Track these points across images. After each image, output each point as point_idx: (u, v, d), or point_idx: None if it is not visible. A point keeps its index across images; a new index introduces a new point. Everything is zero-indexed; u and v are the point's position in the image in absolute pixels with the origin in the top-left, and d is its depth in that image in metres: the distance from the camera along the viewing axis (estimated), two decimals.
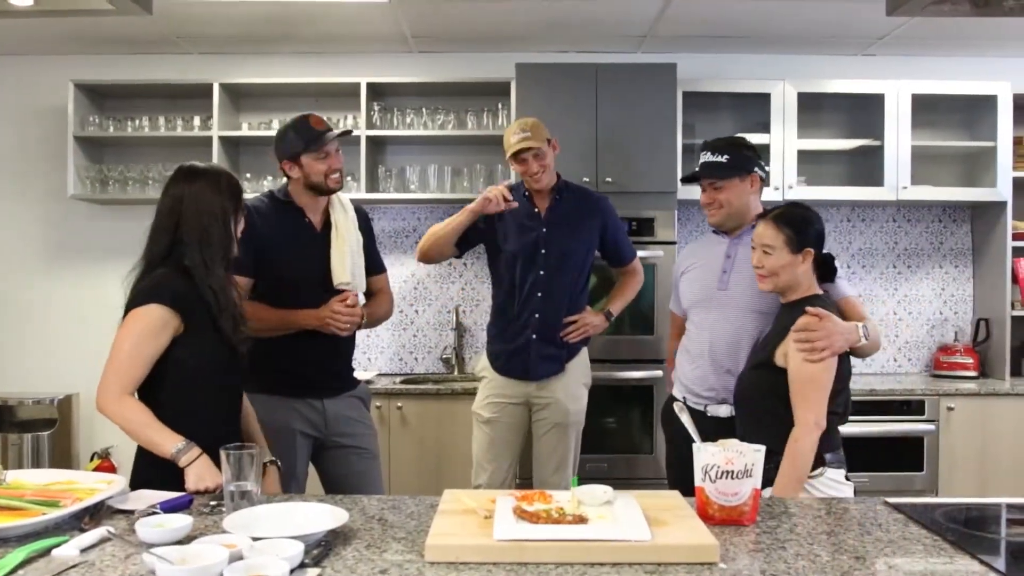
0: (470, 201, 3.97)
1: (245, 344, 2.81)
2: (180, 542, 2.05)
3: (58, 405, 5.45)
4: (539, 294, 3.95)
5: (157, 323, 2.62)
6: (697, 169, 3.49)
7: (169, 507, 2.32)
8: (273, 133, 5.38)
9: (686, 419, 2.63)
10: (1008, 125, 5.36)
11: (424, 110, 5.56)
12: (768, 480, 2.69)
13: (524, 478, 4.51)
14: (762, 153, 5.26)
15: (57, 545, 2.04)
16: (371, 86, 5.48)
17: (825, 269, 3.06)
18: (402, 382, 5.41)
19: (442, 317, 5.84)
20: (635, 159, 5.06)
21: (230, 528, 2.07)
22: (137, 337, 2.61)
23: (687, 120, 5.31)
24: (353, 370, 3.69)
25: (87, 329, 5.71)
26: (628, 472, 5.03)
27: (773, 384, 2.92)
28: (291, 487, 3.36)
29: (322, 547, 2.03)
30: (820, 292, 3.04)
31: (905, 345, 5.85)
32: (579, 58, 5.62)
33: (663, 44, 5.54)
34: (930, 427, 5.05)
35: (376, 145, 5.72)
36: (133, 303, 2.66)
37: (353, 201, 3.68)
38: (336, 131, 3.49)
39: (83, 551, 2.03)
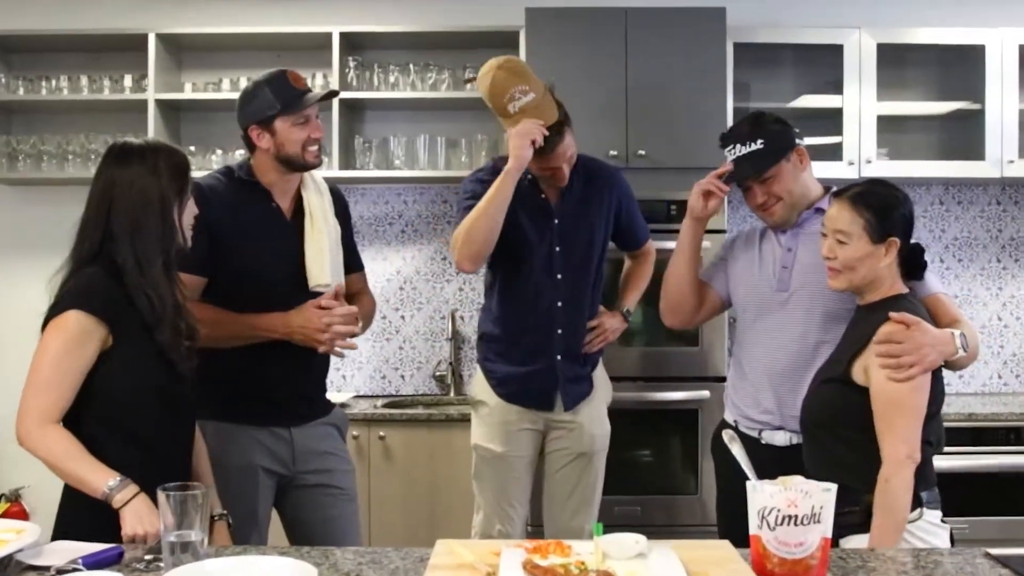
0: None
1: (189, 360, 2.82)
2: None
3: None
4: (559, 303, 3.95)
5: (77, 334, 2.64)
6: (731, 169, 3.47)
7: (94, 562, 2.32)
8: (222, 96, 5.46)
9: (738, 450, 2.62)
10: None
11: (412, 67, 5.57)
12: (843, 527, 2.68)
13: (535, 525, 4.50)
14: (833, 119, 5.34)
15: None
16: (346, 37, 5.49)
17: (912, 264, 3.05)
18: (385, 406, 5.42)
19: (434, 325, 5.84)
20: (674, 128, 5.05)
21: None
22: (56, 353, 2.63)
23: (739, 78, 5.31)
24: (326, 390, 3.70)
25: None
26: (666, 517, 5.03)
27: (849, 405, 2.91)
28: (251, 536, 3.36)
29: None
30: (905, 291, 3.03)
31: (1012, 358, 5.85)
32: (604, 0, 5.62)
33: None
34: None
35: (352, 110, 5.72)
36: (51, 310, 2.68)
37: (326, 181, 3.69)
38: (321, 91, 3.49)
39: None
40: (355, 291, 3.72)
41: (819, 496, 2.27)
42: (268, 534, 3.53)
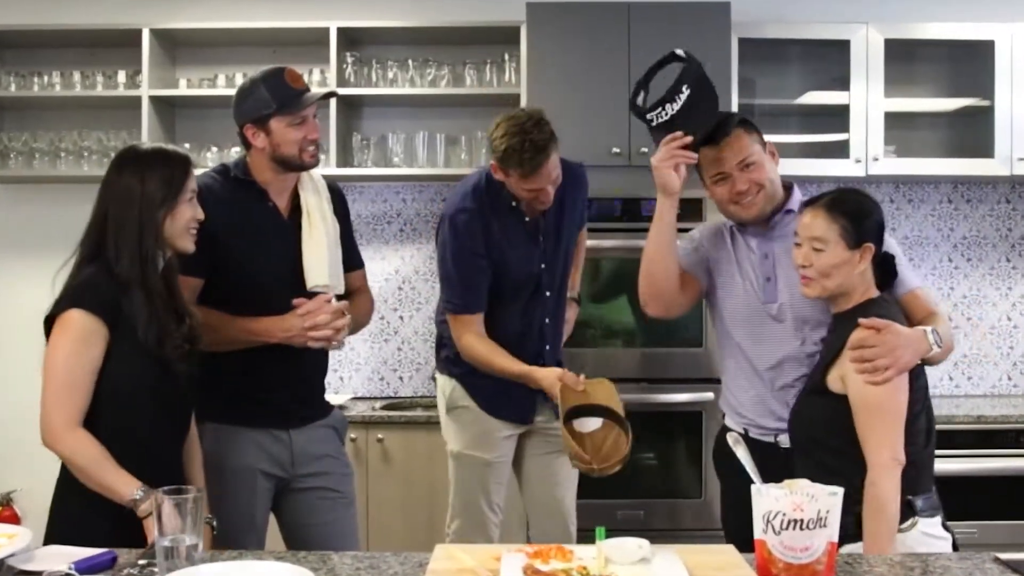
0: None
1: (186, 362, 2.88)
2: None
3: None
4: (547, 321, 3.96)
5: (82, 334, 2.73)
6: (688, 139, 3.27)
7: (87, 567, 2.32)
8: (217, 92, 5.45)
9: (743, 454, 2.62)
10: None
11: (411, 63, 5.56)
12: (843, 534, 2.68)
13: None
14: (840, 116, 5.34)
15: None
16: (343, 32, 5.48)
17: (883, 273, 3.08)
18: (383, 408, 5.42)
19: (433, 325, 5.83)
20: None
21: None
22: (67, 355, 2.73)
23: (744, 74, 5.31)
24: (325, 392, 3.70)
25: None
26: (670, 521, 5.03)
27: (830, 414, 2.94)
28: (248, 539, 3.36)
29: None
30: (875, 295, 3.05)
31: (1021, 360, 5.84)
32: None
33: None
34: None
35: (350, 107, 5.73)
36: (54, 308, 2.77)
37: (325, 178, 3.68)
38: (319, 92, 3.48)
39: None
40: (354, 289, 3.71)
41: (825, 500, 2.27)
42: (266, 538, 3.53)
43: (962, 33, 5.42)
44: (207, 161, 5.37)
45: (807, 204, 3.11)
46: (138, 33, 5.44)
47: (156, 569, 2.32)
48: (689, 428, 5.04)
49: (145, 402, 2.84)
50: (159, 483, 2.44)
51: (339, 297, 3.47)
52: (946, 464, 4.76)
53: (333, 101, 5.29)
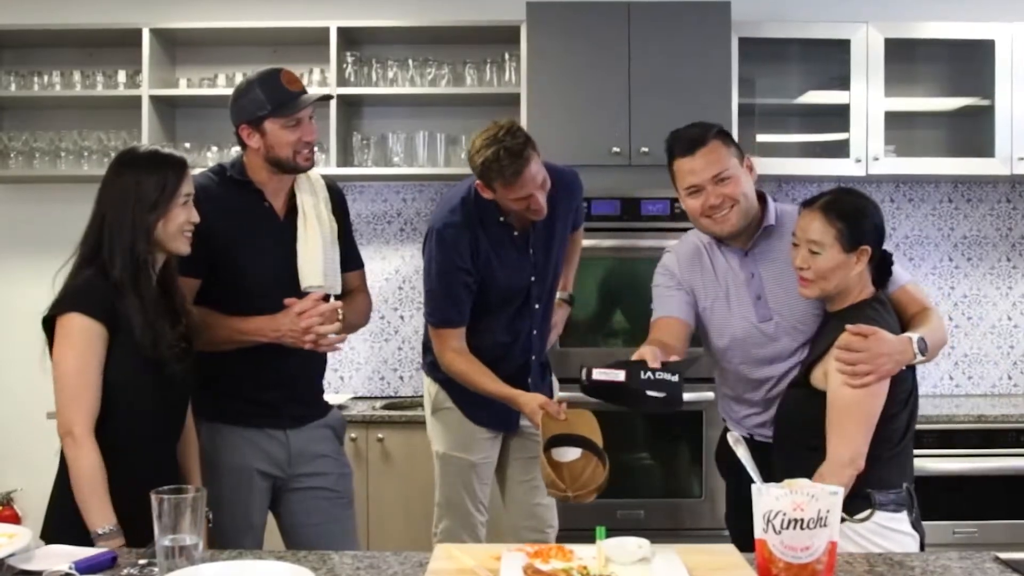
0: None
1: (181, 362, 2.91)
2: None
3: None
4: (535, 332, 3.95)
5: (84, 337, 2.78)
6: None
7: (87, 567, 2.32)
8: (217, 92, 5.45)
9: (743, 453, 2.62)
10: None
11: (411, 62, 5.56)
12: None
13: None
14: (840, 115, 5.34)
15: None
16: (343, 31, 5.48)
17: (880, 271, 3.09)
18: (383, 407, 5.42)
19: None
20: (679, 124, 5.00)
21: None
22: (74, 360, 2.78)
23: (744, 74, 5.31)
24: (323, 391, 3.70)
25: None
26: (670, 521, 5.03)
27: (812, 411, 2.96)
28: (245, 539, 3.36)
29: None
30: (870, 295, 3.07)
31: (1022, 359, 5.84)
32: None
33: None
34: None
35: (350, 107, 5.73)
36: (52, 309, 2.81)
37: (324, 177, 3.67)
38: (314, 95, 3.45)
39: None
40: (352, 288, 3.70)
41: (826, 499, 2.27)
42: (264, 537, 3.53)
43: (962, 32, 5.42)
44: (207, 161, 5.37)
45: (805, 205, 3.10)
46: (138, 33, 5.44)
47: (156, 568, 2.32)
48: (689, 428, 5.04)
49: (142, 402, 2.87)
50: (155, 481, 2.44)
51: (335, 297, 3.47)
52: (946, 464, 4.79)
53: (333, 101, 5.29)
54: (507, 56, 5.48)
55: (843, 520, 2.84)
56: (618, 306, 5.16)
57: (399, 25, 5.52)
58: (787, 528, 2.25)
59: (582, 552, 2.32)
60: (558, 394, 4.15)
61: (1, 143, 5.60)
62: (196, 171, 3.33)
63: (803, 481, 2.36)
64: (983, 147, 5.43)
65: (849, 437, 2.83)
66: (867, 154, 5.32)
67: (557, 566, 2.22)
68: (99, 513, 2.72)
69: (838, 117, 5.37)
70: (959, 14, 5.60)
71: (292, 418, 3.50)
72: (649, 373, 2.95)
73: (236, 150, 3.65)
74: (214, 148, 5.49)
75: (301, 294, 3.37)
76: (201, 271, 3.31)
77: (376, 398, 5.74)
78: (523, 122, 5.03)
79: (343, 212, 3.67)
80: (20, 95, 5.59)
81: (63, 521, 2.77)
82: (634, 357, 3.07)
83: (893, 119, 5.40)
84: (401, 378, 5.86)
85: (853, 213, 3.02)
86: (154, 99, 5.49)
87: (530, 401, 3.59)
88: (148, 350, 2.83)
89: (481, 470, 3.99)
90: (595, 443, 3.47)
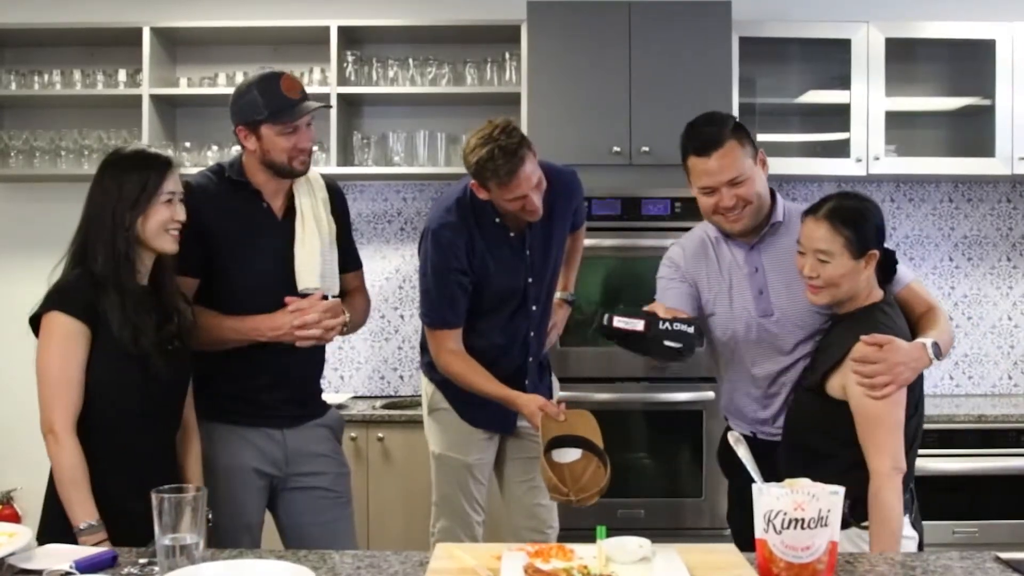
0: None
1: (169, 361, 2.94)
2: None
3: None
4: (532, 334, 3.93)
5: (65, 335, 2.82)
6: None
7: (88, 566, 2.32)
8: (218, 91, 5.45)
9: (743, 452, 2.63)
10: None
11: (411, 61, 5.56)
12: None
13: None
14: (841, 115, 5.34)
15: None
16: (344, 31, 5.48)
17: (884, 270, 3.09)
18: (384, 407, 5.41)
19: None
20: (679, 124, 4.97)
21: None
22: (55, 357, 2.82)
23: (745, 74, 5.30)
24: (322, 391, 3.70)
25: None
26: (671, 520, 5.03)
27: (826, 418, 2.97)
28: (242, 538, 3.36)
29: None
30: (880, 297, 3.07)
31: (1022, 359, 5.84)
32: None
33: None
34: None
35: (350, 106, 5.72)
36: (38, 309, 2.86)
37: (324, 177, 3.66)
38: (312, 104, 3.39)
39: None
40: (351, 289, 3.70)
41: (826, 499, 2.27)
42: (261, 536, 3.53)
43: (963, 32, 5.42)
44: (207, 160, 5.37)
45: (808, 213, 3.08)
46: (139, 32, 5.43)
47: (157, 568, 2.32)
48: (690, 427, 5.04)
49: (126, 400, 2.89)
50: (145, 479, 2.48)
51: (332, 297, 3.47)
52: (946, 464, 4.79)
53: (334, 100, 5.30)
54: (508, 56, 5.48)
55: (850, 525, 2.86)
56: (619, 306, 5.15)
57: (400, 24, 5.52)
58: (788, 528, 2.25)
59: (583, 552, 2.32)
60: (558, 394, 4.16)
61: (1, 142, 5.60)
62: (197, 170, 3.33)
63: (804, 481, 2.36)
64: (984, 147, 5.43)
65: (885, 447, 2.84)
66: (868, 154, 5.32)
67: (558, 565, 2.22)
68: (81, 508, 2.75)
69: (839, 117, 5.37)
70: (960, 14, 5.60)
71: (289, 418, 3.51)
72: (667, 324, 2.99)
73: (236, 149, 3.65)
74: (214, 147, 5.49)
75: (297, 295, 3.38)
76: (198, 270, 3.32)
77: (376, 397, 5.74)
78: (523, 122, 5.04)
79: (343, 212, 3.66)
80: (20, 94, 5.59)
81: (56, 521, 2.79)
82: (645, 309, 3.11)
83: (894, 119, 5.40)
84: (401, 377, 5.86)
85: (858, 218, 3.01)
86: (154, 98, 5.49)
87: (529, 403, 3.59)
88: (129, 347, 2.85)
89: (476, 470, 3.98)
90: (595, 443, 3.46)
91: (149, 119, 5.43)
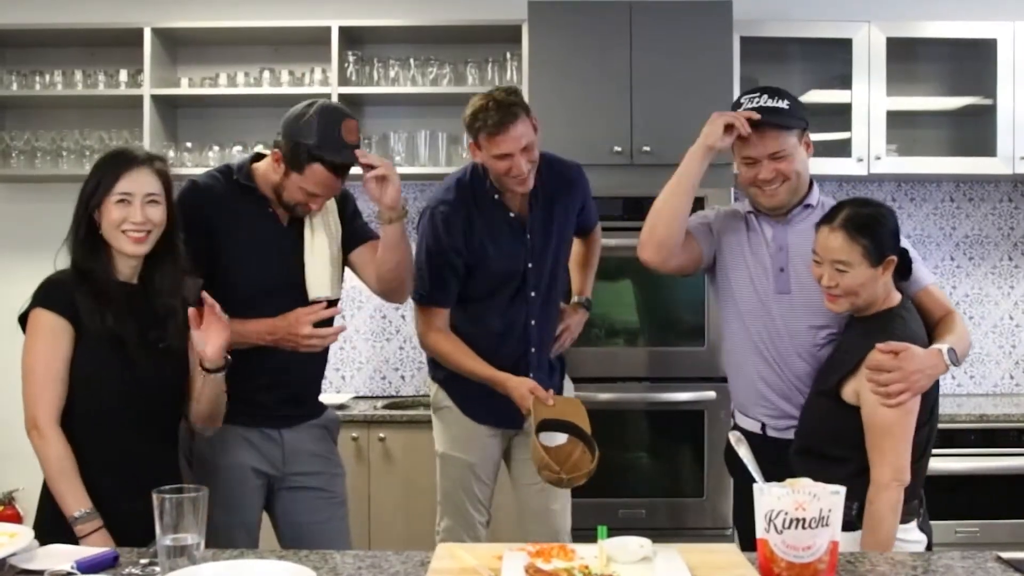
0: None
1: (156, 360, 2.93)
2: None
3: None
4: (533, 323, 3.91)
5: (48, 331, 2.84)
6: (757, 116, 3.30)
7: (89, 566, 2.32)
8: (219, 91, 5.45)
9: (744, 452, 2.63)
10: None
11: (412, 61, 5.56)
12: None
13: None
14: (842, 115, 5.33)
15: None
16: (345, 31, 5.48)
17: (899, 270, 3.08)
18: (385, 407, 5.42)
19: None
20: (680, 123, 4.99)
21: None
22: (39, 353, 2.84)
23: (746, 73, 5.30)
24: (320, 392, 3.70)
25: None
26: (672, 520, 5.02)
27: (840, 423, 2.97)
28: (240, 537, 3.36)
29: None
30: (897, 301, 3.07)
31: None
32: None
33: None
34: None
35: (352, 106, 5.66)
36: (28, 306, 2.88)
37: None
38: (364, 158, 3.29)
39: None
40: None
41: (827, 499, 2.27)
42: (259, 535, 3.54)
43: (964, 32, 5.42)
44: (208, 160, 5.36)
45: (822, 222, 3.08)
46: (140, 32, 5.43)
47: (158, 568, 2.32)
48: (691, 427, 5.03)
49: (108, 396, 2.89)
50: (138, 480, 2.51)
51: (336, 302, 3.48)
52: (948, 463, 4.78)
53: (335, 99, 5.29)
54: (509, 55, 5.49)
55: (858, 529, 2.85)
56: (621, 306, 5.15)
57: (401, 24, 5.53)
58: (789, 527, 2.25)
59: (584, 551, 2.32)
60: (570, 394, 4.14)
61: (3, 142, 5.60)
62: (198, 170, 3.33)
63: (805, 480, 2.36)
64: (985, 146, 5.43)
65: (889, 457, 2.84)
66: (869, 153, 5.32)
67: (559, 565, 2.22)
68: (73, 498, 2.76)
69: (840, 116, 5.37)
70: (961, 13, 5.60)
71: (287, 418, 3.51)
72: None
73: (238, 149, 3.64)
74: (215, 148, 5.47)
75: (302, 301, 3.38)
76: (201, 270, 3.29)
77: (377, 397, 5.74)
78: None
79: (352, 211, 3.68)
80: (22, 94, 5.60)
81: (50, 518, 2.79)
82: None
83: (895, 118, 5.40)
84: (403, 377, 5.86)
85: (874, 226, 3.00)
86: (155, 99, 5.48)
87: (519, 385, 3.62)
88: (103, 340, 2.84)
89: (479, 470, 3.96)
90: (583, 430, 3.51)
91: (150, 119, 5.42)
